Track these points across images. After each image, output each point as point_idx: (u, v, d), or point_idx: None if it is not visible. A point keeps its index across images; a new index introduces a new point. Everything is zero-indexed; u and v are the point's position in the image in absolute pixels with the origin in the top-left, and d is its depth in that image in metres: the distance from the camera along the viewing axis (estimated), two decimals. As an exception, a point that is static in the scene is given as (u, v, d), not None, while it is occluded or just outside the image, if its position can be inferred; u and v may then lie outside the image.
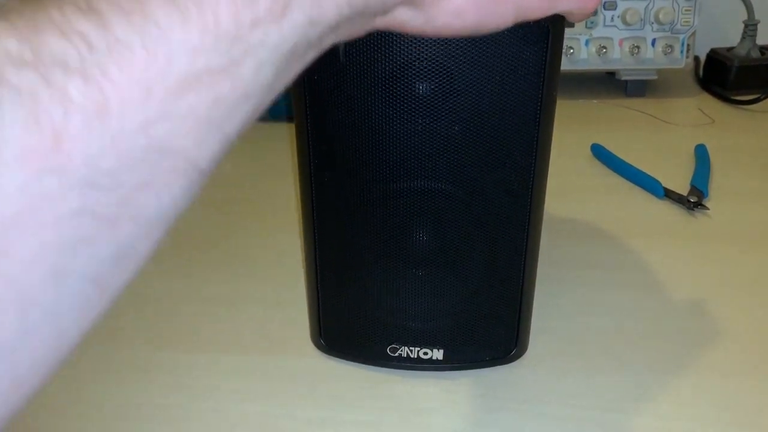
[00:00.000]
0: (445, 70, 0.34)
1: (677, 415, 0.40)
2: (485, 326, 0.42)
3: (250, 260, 0.56)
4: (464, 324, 0.42)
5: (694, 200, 0.62)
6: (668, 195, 0.64)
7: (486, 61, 0.33)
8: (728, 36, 0.93)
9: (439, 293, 0.41)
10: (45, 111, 0.17)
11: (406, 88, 0.34)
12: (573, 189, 0.66)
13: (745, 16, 0.88)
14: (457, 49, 0.33)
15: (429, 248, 0.39)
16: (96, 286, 0.19)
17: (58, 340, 0.19)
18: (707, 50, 0.92)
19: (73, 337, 0.20)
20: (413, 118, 0.35)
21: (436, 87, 0.34)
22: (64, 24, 0.17)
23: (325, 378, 0.44)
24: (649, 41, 0.83)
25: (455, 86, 0.34)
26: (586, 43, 0.83)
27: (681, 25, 0.82)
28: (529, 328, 0.44)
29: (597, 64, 0.84)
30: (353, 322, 0.43)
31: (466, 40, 0.33)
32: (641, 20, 0.82)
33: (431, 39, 0.33)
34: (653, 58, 0.84)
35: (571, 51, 0.83)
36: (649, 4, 0.81)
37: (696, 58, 0.96)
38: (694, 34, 0.83)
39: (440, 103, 0.35)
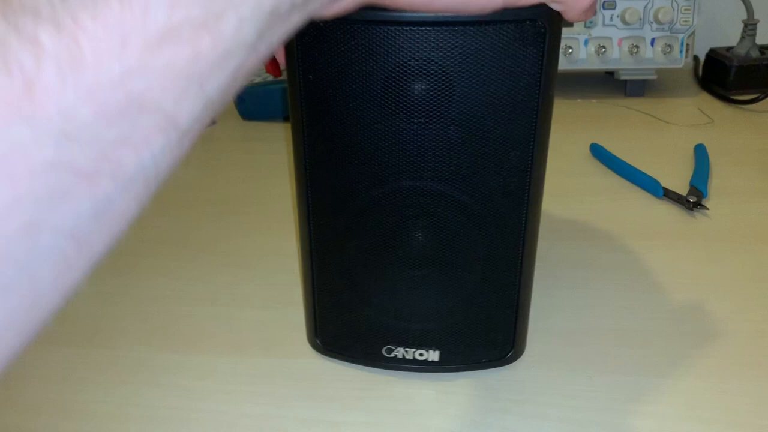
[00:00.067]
0: (441, 70, 0.33)
1: (677, 415, 0.40)
2: (481, 328, 0.42)
3: (248, 260, 0.56)
4: (460, 326, 0.41)
5: (693, 200, 0.61)
6: (667, 195, 0.63)
7: (482, 61, 0.33)
8: (727, 35, 0.93)
9: (434, 294, 0.40)
10: (15, 58, 0.17)
11: (402, 88, 0.34)
12: (572, 189, 0.66)
13: (744, 16, 0.88)
14: (454, 50, 0.33)
15: (425, 249, 0.39)
16: (74, 243, 0.19)
17: (34, 299, 0.19)
18: (706, 50, 0.92)
19: (51, 298, 0.19)
20: (409, 118, 0.35)
21: (433, 87, 0.34)
22: None
23: (321, 379, 0.43)
24: (649, 41, 0.83)
25: (451, 86, 0.34)
26: (585, 42, 0.83)
27: (680, 24, 0.82)
28: (527, 331, 0.44)
29: (596, 64, 0.84)
30: (349, 323, 0.43)
31: (462, 40, 0.33)
32: (640, 20, 0.82)
33: (428, 39, 0.33)
34: (652, 57, 0.83)
35: (570, 51, 0.83)
36: (648, 3, 0.81)
37: (695, 58, 0.95)
38: (693, 33, 0.83)
39: (436, 104, 0.34)
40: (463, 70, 0.33)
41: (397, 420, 0.40)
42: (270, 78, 0.83)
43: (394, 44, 0.33)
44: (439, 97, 0.34)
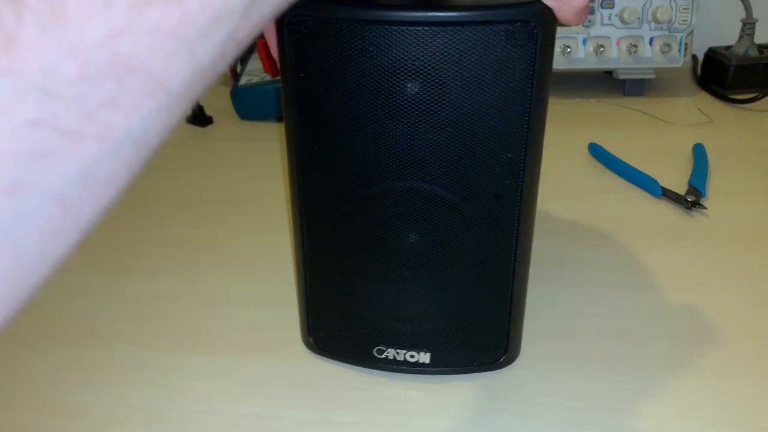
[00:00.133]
0: (433, 70, 0.33)
1: (675, 416, 0.40)
2: (473, 331, 0.41)
3: (245, 260, 0.56)
4: (452, 328, 0.41)
5: (691, 200, 0.61)
6: (666, 194, 0.63)
7: (475, 62, 0.33)
8: (726, 35, 0.93)
9: (425, 296, 0.40)
10: None
11: (394, 88, 0.34)
12: (570, 188, 0.66)
13: (743, 15, 0.88)
14: (446, 50, 0.33)
15: (416, 250, 0.39)
16: (60, 207, 0.19)
17: (18, 263, 0.19)
18: (705, 49, 0.92)
19: (37, 265, 0.19)
20: (401, 118, 0.35)
21: (425, 87, 0.34)
22: None
23: (318, 379, 0.43)
24: (647, 40, 0.83)
25: (443, 87, 0.34)
26: (584, 42, 0.83)
27: (679, 23, 0.82)
28: (521, 334, 0.43)
29: (594, 63, 0.84)
30: (340, 322, 0.43)
31: (454, 40, 0.32)
32: (639, 19, 0.82)
33: (420, 39, 0.33)
34: (651, 57, 0.83)
35: (569, 50, 0.83)
36: (646, 2, 0.81)
37: (694, 57, 0.95)
38: (692, 32, 0.83)
39: (428, 104, 0.34)
40: (455, 71, 0.33)
41: (395, 421, 0.40)
42: (268, 78, 0.82)
43: (386, 44, 0.33)
44: (431, 98, 0.34)
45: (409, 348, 0.42)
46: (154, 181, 0.69)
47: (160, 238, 0.59)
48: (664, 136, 0.77)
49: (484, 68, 0.33)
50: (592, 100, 0.87)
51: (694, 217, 0.61)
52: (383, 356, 0.43)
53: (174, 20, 0.19)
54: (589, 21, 0.82)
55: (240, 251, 0.57)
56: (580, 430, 0.39)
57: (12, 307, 0.19)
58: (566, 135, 0.77)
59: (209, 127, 0.83)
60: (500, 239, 0.38)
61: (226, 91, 0.84)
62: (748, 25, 0.87)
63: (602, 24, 0.82)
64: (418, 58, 0.33)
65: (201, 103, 0.83)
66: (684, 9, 0.81)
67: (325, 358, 0.45)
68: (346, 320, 0.42)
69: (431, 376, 0.43)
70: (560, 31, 0.80)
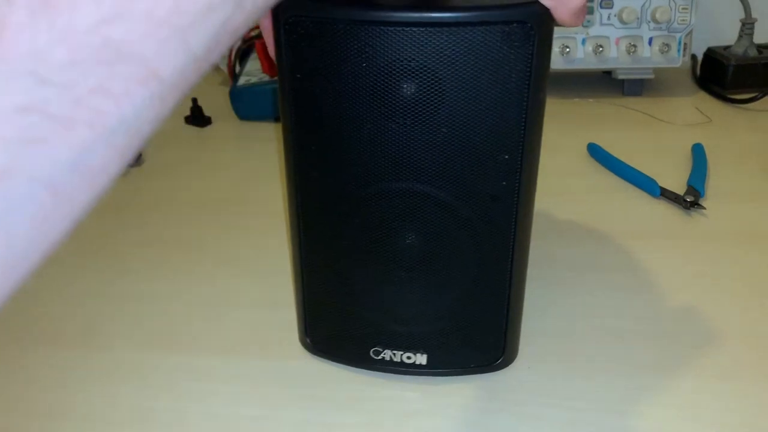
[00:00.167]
0: (430, 71, 0.33)
1: (674, 416, 0.40)
2: (470, 332, 0.41)
3: (244, 261, 0.56)
4: (448, 329, 0.41)
5: (690, 200, 0.61)
6: (665, 195, 0.63)
7: (471, 63, 0.33)
8: (725, 34, 0.93)
9: (422, 297, 0.40)
10: None
11: (390, 89, 0.34)
12: (569, 189, 0.66)
13: (742, 15, 0.88)
14: (443, 51, 0.33)
15: (413, 251, 0.39)
16: (51, 194, 0.18)
17: (8, 250, 0.18)
18: (704, 49, 0.92)
19: (28, 252, 0.19)
20: (397, 119, 0.35)
21: (421, 88, 0.34)
22: None
23: (317, 380, 0.43)
24: (646, 40, 0.83)
25: (440, 88, 0.34)
26: (583, 42, 0.83)
27: (678, 23, 0.82)
28: (518, 336, 0.43)
29: (593, 63, 0.84)
30: (337, 323, 0.43)
31: (451, 41, 0.32)
32: (638, 19, 0.81)
33: (416, 39, 0.32)
34: (650, 56, 0.83)
35: (568, 50, 0.83)
36: (645, 2, 0.81)
37: (693, 57, 0.95)
38: (691, 32, 0.83)
39: (425, 105, 0.34)
40: (452, 72, 0.33)
41: (393, 422, 0.40)
42: (267, 78, 0.82)
43: (382, 44, 0.33)
44: (428, 99, 0.34)
45: (405, 349, 0.42)
46: (153, 181, 0.69)
47: (159, 238, 0.59)
48: (663, 136, 0.77)
49: (480, 69, 0.33)
50: (591, 100, 0.87)
51: (692, 217, 0.60)
52: (380, 357, 0.43)
53: (167, 7, 0.19)
54: (588, 21, 0.82)
55: (238, 252, 0.57)
56: (579, 430, 0.39)
57: (3, 293, 0.19)
58: (565, 135, 0.77)
59: (208, 127, 0.83)
60: (497, 240, 0.38)
61: (225, 91, 0.84)
62: (747, 25, 0.87)
63: (601, 24, 0.82)
64: (414, 59, 0.33)
65: (200, 104, 0.83)
66: (683, 9, 0.81)
67: (325, 360, 0.45)
68: (342, 321, 0.42)
69: (429, 377, 0.43)
70: (559, 31, 0.80)
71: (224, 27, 0.21)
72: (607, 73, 0.89)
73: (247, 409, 0.41)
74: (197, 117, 0.83)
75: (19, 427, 0.40)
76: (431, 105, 0.34)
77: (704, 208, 0.61)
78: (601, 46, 0.82)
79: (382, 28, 0.32)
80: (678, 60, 0.83)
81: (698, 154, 0.70)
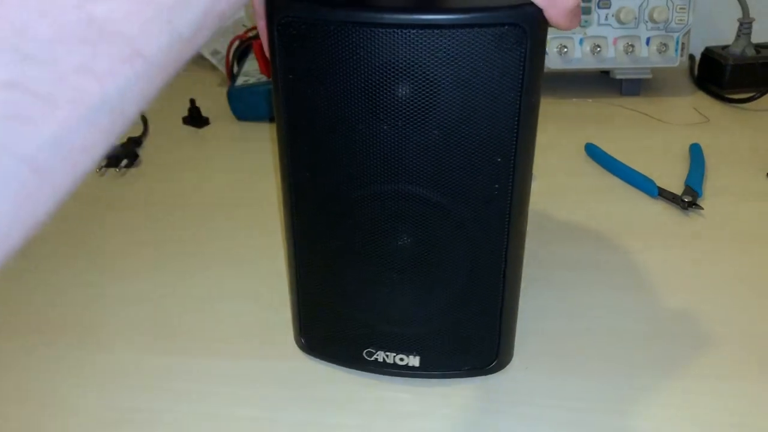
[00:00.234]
0: (423, 72, 0.33)
1: (673, 416, 0.40)
2: (463, 335, 0.41)
3: (241, 261, 0.56)
4: (441, 332, 0.41)
5: (688, 200, 0.61)
6: (662, 195, 0.63)
7: (464, 64, 0.33)
8: (723, 34, 0.92)
9: (415, 298, 0.40)
10: None
11: (383, 90, 0.34)
12: (567, 189, 0.66)
13: (739, 14, 0.88)
14: (436, 53, 0.33)
15: (407, 252, 0.39)
16: (35, 173, 0.18)
17: None
18: (702, 49, 0.92)
19: (11, 231, 0.19)
20: (390, 120, 0.35)
21: (414, 90, 0.34)
22: None
23: (313, 380, 0.43)
24: (644, 40, 0.83)
25: (433, 89, 0.33)
26: (580, 41, 0.83)
27: (675, 23, 0.82)
28: (513, 339, 0.43)
29: (591, 63, 0.84)
30: (330, 323, 0.43)
31: (444, 43, 0.32)
32: (636, 19, 0.81)
33: (409, 41, 0.32)
34: (648, 56, 0.83)
35: (565, 50, 0.83)
36: (643, 2, 0.81)
37: (691, 57, 0.95)
38: (688, 32, 0.83)
39: (418, 106, 0.34)
40: (444, 73, 0.33)
41: (390, 423, 0.40)
42: (265, 79, 0.82)
43: (374, 46, 0.33)
44: (420, 100, 0.34)
45: (398, 351, 0.42)
46: (151, 181, 0.69)
47: (156, 239, 0.59)
48: (660, 136, 0.77)
49: (472, 71, 0.33)
50: (589, 100, 0.87)
51: (690, 218, 0.60)
52: (373, 358, 0.43)
53: None
54: (586, 21, 0.82)
55: (236, 252, 0.57)
56: (577, 431, 0.39)
57: None
58: (563, 135, 0.77)
59: (206, 127, 0.82)
60: (490, 243, 0.38)
61: (223, 92, 0.84)
62: (745, 25, 0.87)
63: (599, 24, 0.82)
64: (406, 61, 0.33)
65: (198, 104, 0.82)
66: (681, 9, 0.81)
67: (322, 361, 0.45)
68: (335, 322, 0.42)
69: (425, 378, 0.43)
70: (557, 31, 0.80)
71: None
72: (605, 73, 0.89)
73: (243, 410, 0.41)
74: (195, 117, 0.82)
75: (17, 428, 0.40)
76: (424, 107, 0.34)
77: (702, 208, 0.61)
78: (598, 45, 0.82)
79: (374, 29, 0.32)
80: (676, 60, 0.83)
81: (696, 154, 0.70)
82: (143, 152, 0.75)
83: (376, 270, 0.40)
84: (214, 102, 0.86)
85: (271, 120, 0.81)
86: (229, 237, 0.59)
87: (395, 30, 0.32)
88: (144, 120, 0.81)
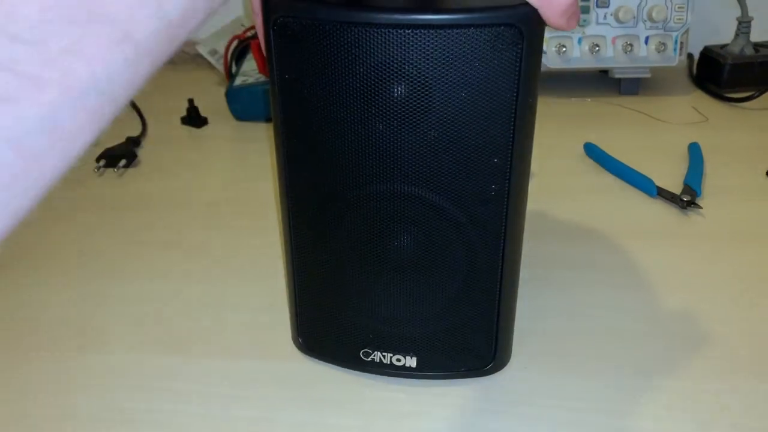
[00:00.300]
0: (418, 72, 0.33)
1: (672, 417, 0.40)
2: (460, 336, 0.41)
3: (240, 261, 0.56)
4: (438, 332, 0.41)
5: (687, 199, 0.61)
6: (661, 194, 0.63)
7: (460, 65, 0.33)
8: (722, 33, 0.92)
9: (412, 299, 0.40)
10: None
11: (379, 90, 0.34)
12: (565, 188, 0.66)
13: (738, 13, 0.88)
14: (431, 53, 0.32)
15: (403, 253, 0.39)
16: (21, 157, 0.18)
17: None
18: (701, 48, 0.92)
19: None
20: (386, 120, 0.35)
21: (410, 90, 0.34)
22: None
23: (312, 381, 0.43)
24: (642, 39, 0.83)
25: (429, 89, 0.33)
26: (579, 41, 0.83)
27: (674, 22, 0.82)
28: (511, 340, 0.43)
29: (590, 63, 0.84)
30: (327, 323, 0.43)
31: (439, 43, 0.32)
32: (634, 18, 0.81)
33: (405, 41, 0.32)
34: (646, 56, 0.83)
35: (564, 49, 0.83)
36: (641, 1, 0.81)
37: (689, 56, 0.95)
38: (687, 31, 0.83)
39: (414, 107, 0.34)
40: (440, 74, 0.33)
41: (389, 423, 0.40)
42: (263, 78, 0.82)
43: (370, 46, 0.33)
44: (416, 101, 0.34)
45: (395, 351, 0.42)
46: (149, 181, 0.69)
47: (155, 239, 0.59)
48: (659, 135, 0.77)
49: (468, 72, 0.33)
50: (588, 99, 0.87)
51: (689, 217, 0.60)
52: (370, 359, 0.42)
53: None
54: (585, 20, 0.82)
55: (234, 252, 0.57)
56: (577, 431, 0.39)
57: None
58: (561, 134, 0.76)
59: (204, 127, 0.82)
60: (487, 243, 0.38)
61: (221, 91, 0.84)
62: (744, 24, 0.87)
63: (597, 23, 0.82)
64: (402, 61, 0.33)
65: (196, 104, 0.82)
66: (679, 8, 0.81)
67: (321, 361, 0.44)
68: (332, 322, 0.42)
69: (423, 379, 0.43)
70: (555, 30, 0.80)
71: None
72: (604, 73, 0.89)
73: (243, 411, 0.41)
74: (193, 117, 0.82)
75: (17, 428, 0.40)
76: (419, 107, 0.34)
77: (701, 208, 0.61)
78: (597, 45, 0.82)
79: (370, 29, 0.32)
80: (674, 59, 0.83)
81: (695, 153, 0.70)
82: (141, 152, 0.75)
83: (372, 270, 0.39)
84: (212, 102, 0.86)
85: (270, 120, 0.81)
86: (228, 237, 0.59)
87: (391, 30, 0.32)
88: (142, 120, 0.81)
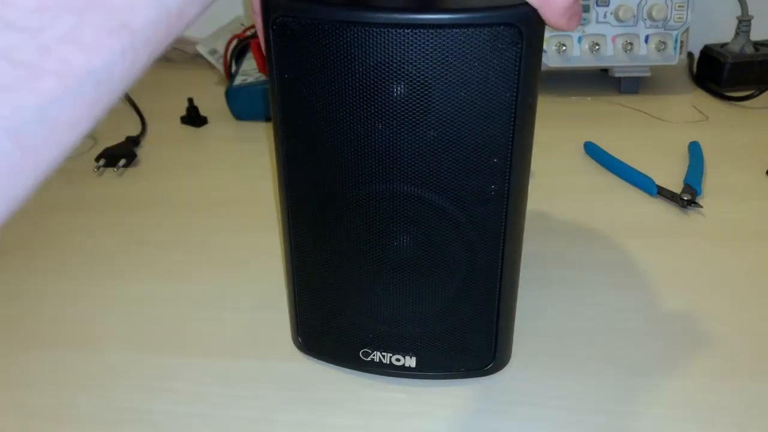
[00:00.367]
0: (418, 72, 0.33)
1: (672, 416, 0.40)
2: (460, 336, 0.41)
3: (240, 261, 0.56)
4: (437, 332, 0.41)
5: (687, 198, 0.61)
6: (661, 193, 0.63)
7: (459, 65, 0.33)
8: (722, 32, 0.92)
9: (411, 299, 0.40)
10: None
11: (378, 90, 0.34)
12: (565, 187, 0.65)
13: (738, 12, 0.88)
14: (431, 52, 0.32)
15: (403, 252, 0.39)
16: (18, 147, 0.18)
17: None
18: (701, 46, 0.92)
19: None
20: (385, 120, 0.34)
21: (410, 89, 0.33)
22: None
23: (312, 381, 0.43)
24: (642, 38, 0.83)
25: (429, 89, 0.33)
26: (579, 39, 0.83)
27: (674, 21, 0.82)
28: (511, 340, 0.43)
29: (590, 61, 0.84)
30: (327, 323, 0.43)
31: (439, 43, 0.32)
32: (634, 17, 0.81)
33: (404, 41, 0.32)
34: (646, 54, 0.83)
35: (564, 48, 0.83)
36: (641, 0, 0.81)
37: (689, 55, 0.95)
38: (687, 30, 0.83)
39: (413, 106, 0.34)
40: (439, 74, 0.33)
41: (388, 423, 0.40)
42: (263, 77, 0.82)
43: (369, 46, 0.33)
44: (415, 100, 0.34)
45: (394, 351, 0.42)
46: (149, 181, 0.69)
47: (155, 238, 0.59)
48: (659, 134, 0.77)
49: (467, 72, 0.33)
50: (588, 98, 0.87)
51: (689, 216, 0.60)
52: (369, 359, 0.42)
53: None
54: (585, 19, 0.82)
55: (233, 252, 0.57)
56: (574, 431, 0.39)
57: None
58: (562, 133, 0.76)
59: (204, 127, 0.82)
60: (487, 243, 0.38)
61: (221, 91, 0.84)
62: (744, 23, 0.87)
63: (597, 22, 0.82)
64: (401, 60, 0.33)
65: (196, 104, 0.82)
66: (679, 6, 0.81)
67: (320, 361, 0.44)
68: (332, 321, 0.42)
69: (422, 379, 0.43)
70: (555, 29, 0.80)
71: None
72: (604, 71, 0.89)
73: (242, 411, 0.41)
74: (193, 117, 0.82)
75: (13, 429, 0.40)
76: (418, 107, 0.34)
77: (701, 207, 0.61)
78: (597, 43, 0.82)
79: (369, 29, 0.32)
80: (674, 58, 0.83)
81: (695, 152, 0.70)
82: (141, 152, 0.75)
83: (371, 270, 0.39)
84: (212, 101, 0.86)
85: (269, 119, 0.81)
86: (227, 236, 0.59)
87: (390, 29, 0.32)
88: (142, 119, 0.81)
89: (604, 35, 0.83)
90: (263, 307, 0.50)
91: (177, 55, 1.00)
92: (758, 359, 0.44)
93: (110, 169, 0.71)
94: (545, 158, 0.70)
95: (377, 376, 0.43)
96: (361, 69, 0.33)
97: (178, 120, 0.83)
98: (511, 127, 0.34)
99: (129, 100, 0.82)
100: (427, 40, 0.32)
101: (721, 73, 0.87)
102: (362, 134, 0.35)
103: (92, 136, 0.77)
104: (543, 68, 0.78)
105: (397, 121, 0.34)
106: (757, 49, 0.88)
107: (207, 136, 0.80)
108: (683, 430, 0.39)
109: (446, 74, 0.33)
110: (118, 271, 0.55)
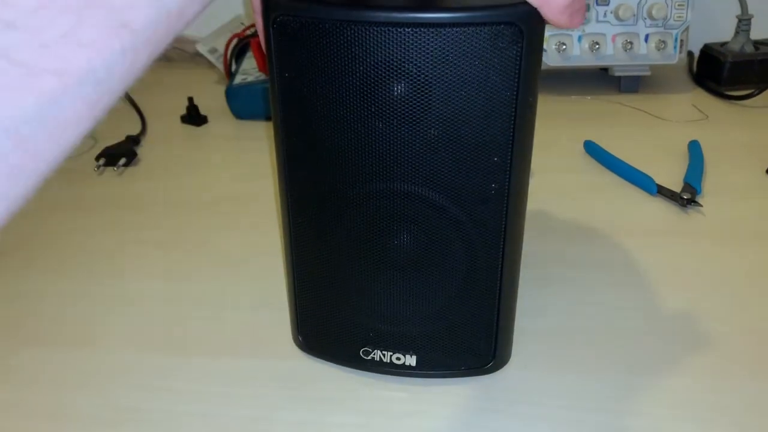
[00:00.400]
0: (418, 71, 0.33)
1: (672, 415, 0.40)
2: (460, 334, 0.41)
3: (240, 260, 0.56)
4: (438, 330, 0.41)
5: (687, 197, 0.61)
6: (661, 192, 0.63)
7: (459, 63, 0.33)
8: (722, 31, 0.92)
9: (411, 297, 0.40)
10: None
11: (378, 89, 0.34)
12: (565, 186, 0.65)
13: (738, 11, 0.87)
14: (431, 51, 0.32)
15: (403, 251, 0.39)
16: (15, 143, 0.18)
17: None
18: (701, 45, 0.92)
19: None
20: (386, 119, 0.34)
21: (410, 88, 0.33)
22: None
23: (312, 380, 0.43)
24: (642, 37, 0.83)
25: (429, 88, 0.33)
26: (579, 39, 0.83)
27: (674, 20, 0.82)
28: (511, 339, 0.43)
29: (590, 60, 0.84)
30: (327, 322, 0.43)
31: (439, 42, 0.32)
32: (634, 16, 0.81)
33: (404, 40, 0.32)
34: (646, 53, 0.83)
35: (564, 47, 0.83)
36: (641, -1, 0.81)
37: (689, 54, 0.95)
38: (687, 29, 0.83)
39: (413, 105, 0.34)
40: (440, 72, 0.33)
41: (389, 422, 0.40)
42: (263, 77, 0.82)
43: (370, 44, 0.33)
44: (416, 99, 0.34)
45: (394, 350, 0.42)
46: (149, 180, 0.69)
47: (155, 238, 0.59)
48: (659, 133, 0.77)
49: (467, 71, 0.33)
50: (588, 97, 0.87)
51: (689, 215, 0.60)
52: (369, 358, 0.42)
53: None
54: (584, 18, 0.82)
55: (233, 251, 0.57)
56: (576, 430, 0.39)
57: None
58: (561, 132, 0.76)
59: (204, 126, 0.82)
60: (487, 242, 0.38)
61: (221, 90, 0.84)
62: (744, 22, 0.87)
63: (597, 21, 0.82)
64: (402, 59, 0.33)
65: (196, 103, 0.82)
66: (679, 5, 0.81)
67: (320, 360, 0.44)
68: (332, 320, 0.42)
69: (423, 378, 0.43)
70: (555, 28, 0.80)
71: None
72: (604, 70, 0.89)
73: (242, 410, 0.41)
74: (193, 116, 0.82)
75: (13, 428, 0.40)
76: (419, 105, 0.34)
77: (701, 206, 0.61)
78: (597, 43, 0.82)
79: (369, 28, 0.32)
80: (674, 57, 0.83)
81: (695, 151, 0.70)
82: (141, 151, 0.75)
83: (372, 268, 0.39)
84: (212, 100, 0.86)
85: (269, 118, 0.81)
86: (228, 235, 0.59)
87: (390, 28, 0.32)
88: (142, 118, 0.81)
89: (604, 34, 0.83)
90: (263, 306, 0.50)
91: (177, 54, 1.00)
92: (758, 359, 0.44)
93: (110, 169, 0.71)
94: (545, 157, 0.70)
95: (377, 374, 0.43)
96: (361, 68, 0.33)
97: (178, 119, 0.83)
98: (512, 126, 0.34)
99: (129, 99, 0.82)
100: (428, 39, 0.32)
101: (721, 72, 0.87)
102: (362, 133, 0.35)
103: (92, 136, 0.77)
104: (543, 67, 0.78)
105: (397, 119, 0.34)
106: (757, 48, 0.88)
107: (207, 135, 0.80)
108: (683, 430, 0.39)
109: (446, 73, 0.33)
110: (118, 271, 0.55)
